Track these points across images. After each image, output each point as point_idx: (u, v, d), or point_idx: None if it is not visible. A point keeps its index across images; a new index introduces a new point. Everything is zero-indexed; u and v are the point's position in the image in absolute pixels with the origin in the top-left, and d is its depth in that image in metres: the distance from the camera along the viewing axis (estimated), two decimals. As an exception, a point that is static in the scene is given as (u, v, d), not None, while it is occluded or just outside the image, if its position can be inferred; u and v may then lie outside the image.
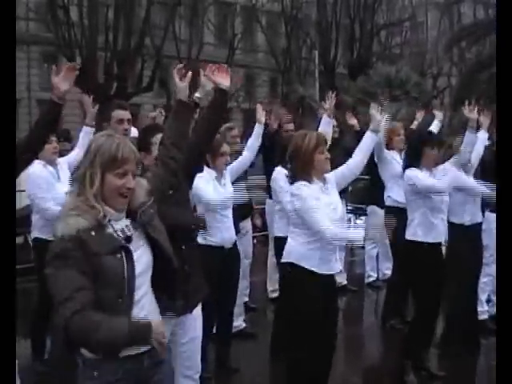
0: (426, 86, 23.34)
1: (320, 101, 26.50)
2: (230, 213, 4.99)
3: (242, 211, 5.63)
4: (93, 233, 2.39)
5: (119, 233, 2.50)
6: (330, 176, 4.17)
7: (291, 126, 6.79)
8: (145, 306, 2.55)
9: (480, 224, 5.75)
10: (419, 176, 4.85)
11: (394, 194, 6.19)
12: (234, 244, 5.07)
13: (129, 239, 2.52)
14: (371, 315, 7.34)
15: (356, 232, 4.06)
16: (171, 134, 2.98)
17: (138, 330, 2.40)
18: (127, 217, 2.57)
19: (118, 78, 23.69)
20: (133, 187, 2.52)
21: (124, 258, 2.45)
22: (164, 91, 29.63)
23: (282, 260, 4.18)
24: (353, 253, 9.73)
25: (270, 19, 34.34)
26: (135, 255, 2.50)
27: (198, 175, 4.03)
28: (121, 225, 2.52)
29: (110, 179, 2.47)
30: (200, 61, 31.14)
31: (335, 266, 4.10)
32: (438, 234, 4.93)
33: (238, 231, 5.29)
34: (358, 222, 10.03)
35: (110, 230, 2.48)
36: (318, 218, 3.87)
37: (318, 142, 4.01)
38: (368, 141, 4.38)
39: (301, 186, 3.96)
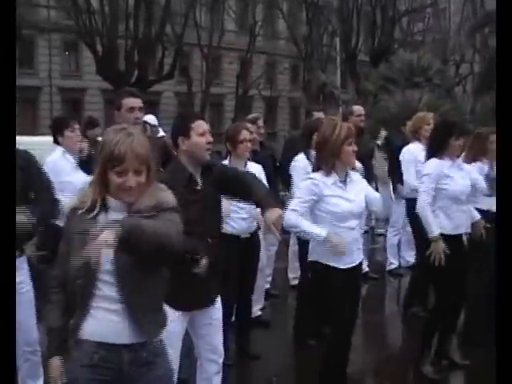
0: (448, 72, 23.10)
1: (341, 87, 26.49)
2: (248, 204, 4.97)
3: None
4: (79, 212, 2.49)
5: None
6: (357, 173, 4.19)
7: (321, 115, 6.77)
8: (116, 302, 2.50)
9: None
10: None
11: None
12: (253, 234, 5.06)
13: None
14: (392, 303, 7.33)
15: (316, 231, 3.98)
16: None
17: None
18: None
19: (139, 65, 23.77)
20: (133, 186, 2.47)
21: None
22: (185, 79, 29.69)
23: (308, 259, 4.20)
24: (374, 240, 9.71)
25: (291, 6, 34.16)
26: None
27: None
28: (118, 217, 2.47)
29: (111, 176, 2.47)
30: (221, 48, 31.21)
31: (355, 258, 4.11)
32: (458, 225, 4.83)
33: None
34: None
35: (98, 216, 2.49)
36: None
37: (348, 134, 3.98)
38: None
39: (316, 175, 4.00)
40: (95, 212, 2.50)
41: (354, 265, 4.11)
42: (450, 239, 4.76)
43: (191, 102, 29.19)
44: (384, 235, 9.11)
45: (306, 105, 18.89)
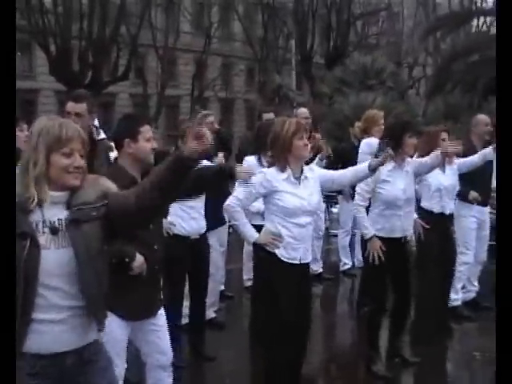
0: (401, 75, 23.47)
1: (296, 90, 26.64)
2: (197, 203, 4.98)
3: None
4: (24, 209, 2.38)
5: (47, 222, 2.41)
6: (314, 168, 4.26)
7: (272, 115, 6.81)
8: (62, 310, 2.46)
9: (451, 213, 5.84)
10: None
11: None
12: (203, 235, 5.07)
13: (55, 231, 2.42)
14: (346, 302, 7.42)
15: (248, 232, 4.13)
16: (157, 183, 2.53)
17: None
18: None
19: (93, 66, 23.49)
20: (81, 166, 2.46)
21: (27, 247, 2.35)
22: (140, 80, 29.47)
23: (255, 251, 4.25)
24: (329, 241, 9.80)
25: (247, 8, 34.26)
26: (50, 252, 2.40)
27: None
28: (54, 215, 2.43)
29: (57, 159, 2.42)
30: (176, 49, 31.08)
31: (303, 256, 4.15)
32: (394, 229, 4.89)
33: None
34: (334, 210, 10.12)
35: (33, 215, 2.40)
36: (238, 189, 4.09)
37: (297, 129, 4.06)
38: (361, 172, 4.34)
39: (269, 170, 4.08)
40: (35, 212, 2.41)
41: (303, 262, 4.15)
42: (388, 241, 4.83)
43: (146, 103, 29.01)
44: (338, 236, 9.21)
45: (260, 107, 18.99)
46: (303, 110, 7.36)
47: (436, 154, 4.99)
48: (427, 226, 5.44)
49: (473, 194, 6.14)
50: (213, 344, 5.39)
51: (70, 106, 4.36)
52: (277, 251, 4.06)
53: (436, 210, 5.70)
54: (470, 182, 6.07)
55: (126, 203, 2.51)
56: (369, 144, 6.41)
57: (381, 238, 4.79)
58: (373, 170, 4.24)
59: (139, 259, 3.37)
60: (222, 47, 35.24)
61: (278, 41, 32.92)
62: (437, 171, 5.53)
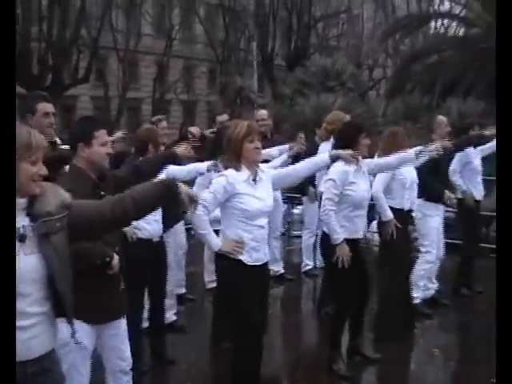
0: (361, 77, 23.70)
1: (258, 91, 26.70)
2: None
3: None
4: None
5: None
6: (265, 169, 4.28)
7: (225, 117, 6.82)
8: (30, 317, 2.43)
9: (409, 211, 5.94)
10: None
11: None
12: (161, 236, 5.06)
13: (23, 238, 2.39)
14: (308, 303, 7.46)
15: (213, 241, 4.12)
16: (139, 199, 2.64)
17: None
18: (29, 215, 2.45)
19: (54, 69, 23.22)
20: (45, 174, 2.45)
21: None
22: (101, 83, 29.22)
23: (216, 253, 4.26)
24: (290, 242, 9.84)
25: (208, 10, 34.22)
26: (19, 258, 2.35)
27: None
28: (18, 222, 2.39)
29: (25, 167, 2.39)
30: (138, 52, 30.90)
31: (263, 257, 4.19)
32: (358, 229, 4.99)
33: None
34: (295, 211, 10.16)
35: None
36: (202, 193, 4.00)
37: (249, 131, 4.08)
38: (320, 161, 4.48)
39: (229, 172, 4.07)
40: None
41: (262, 263, 4.19)
42: (350, 242, 4.89)
43: (108, 106, 28.77)
44: (300, 237, 9.26)
45: (220, 109, 19.02)
46: (262, 112, 7.39)
47: (403, 154, 5.12)
48: (400, 226, 5.54)
49: (449, 195, 6.31)
50: (174, 347, 5.37)
51: (48, 106, 4.32)
52: (241, 257, 4.07)
53: (406, 207, 5.82)
54: (435, 180, 6.25)
55: (98, 215, 2.57)
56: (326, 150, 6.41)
57: (345, 240, 4.84)
58: (333, 160, 4.38)
59: (116, 257, 3.42)
60: (184, 49, 35.14)
61: (240, 43, 32.97)
62: (409, 168, 5.68)
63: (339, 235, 4.78)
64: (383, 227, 5.64)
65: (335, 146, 5.10)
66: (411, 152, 5.20)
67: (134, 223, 4.57)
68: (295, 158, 5.54)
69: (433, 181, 6.23)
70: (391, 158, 5.20)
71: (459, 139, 6.85)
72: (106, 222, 2.60)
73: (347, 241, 4.82)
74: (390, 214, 5.56)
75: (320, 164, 4.52)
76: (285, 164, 5.40)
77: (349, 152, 4.62)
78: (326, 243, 4.93)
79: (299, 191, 8.00)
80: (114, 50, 29.14)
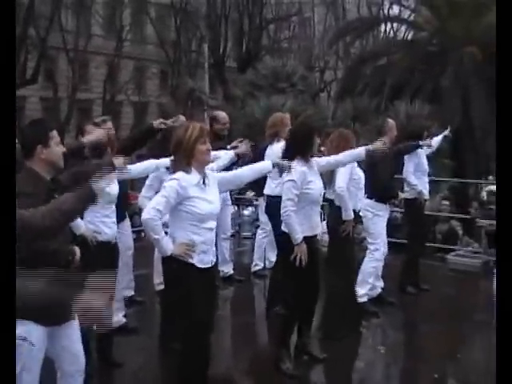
0: (312, 79, 23.90)
1: (210, 93, 26.67)
2: (111, 210, 4.97)
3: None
4: None
5: None
6: (212, 172, 4.30)
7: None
8: None
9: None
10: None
11: (274, 185, 6.33)
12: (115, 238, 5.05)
13: None
14: (258, 304, 7.48)
15: (165, 246, 4.07)
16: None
17: None
18: None
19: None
20: None
21: None
22: (50, 84, 28.75)
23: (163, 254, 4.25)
24: (240, 243, 9.87)
25: (159, 11, 33.99)
26: None
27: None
28: None
29: None
30: (88, 52, 30.51)
31: (212, 258, 4.21)
32: (314, 226, 5.07)
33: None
34: (245, 212, 10.21)
35: None
36: (155, 198, 4.00)
37: (201, 133, 4.09)
38: (263, 168, 4.57)
39: (180, 176, 4.04)
40: None
41: (211, 265, 4.21)
42: (308, 239, 4.96)
43: (57, 107, 28.33)
44: (250, 238, 9.31)
45: (173, 110, 18.93)
46: (224, 115, 7.36)
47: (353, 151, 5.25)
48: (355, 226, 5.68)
49: (402, 195, 6.53)
50: (123, 349, 5.34)
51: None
52: (191, 260, 4.06)
53: (358, 207, 5.93)
54: (385, 181, 6.41)
55: (31, 222, 2.64)
56: (273, 151, 6.43)
57: (304, 237, 4.92)
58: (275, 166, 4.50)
59: (77, 251, 3.47)
60: (135, 50, 34.81)
61: (191, 44, 32.87)
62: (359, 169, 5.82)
63: (299, 235, 4.85)
64: (334, 226, 5.74)
65: (288, 147, 5.17)
66: (361, 149, 5.31)
67: (91, 227, 4.70)
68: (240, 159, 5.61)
69: (382, 181, 6.36)
70: (341, 156, 5.31)
71: (407, 144, 7.04)
72: (39, 230, 2.70)
73: (306, 238, 4.89)
74: (351, 214, 5.70)
75: (263, 171, 4.62)
76: (231, 162, 5.45)
77: (287, 162, 4.73)
78: (282, 242, 5.00)
79: (255, 192, 8.03)
80: (64, 50, 28.70)
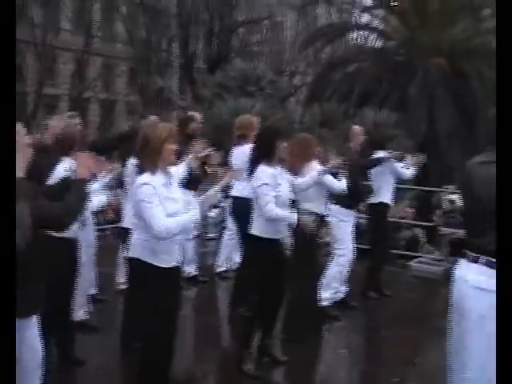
0: (281, 83, 23.95)
1: (179, 93, 26.58)
2: None
3: None
4: None
5: None
6: (174, 171, 4.31)
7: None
8: None
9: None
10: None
11: (239, 190, 6.34)
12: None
13: None
14: (221, 304, 7.49)
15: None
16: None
17: None
18: None
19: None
20: None
21: None
22: (17, 78, 28.35)
23: (128, 255, 4.23)
24: (204, 244, 9.85)
25: (130, 9, 33.75)
26: None
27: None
28: None
29: None
30: (56, 47, 30.15)
31: (177, 258, 4.22)
32: (280, 230, 5.11)
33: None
34: (210, 214, 10.19)
35: None
36: (153, 211, 3.95)
37: (170, 133, 4.11)
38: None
39: (148, 179, 4.02)
40: None
41: (175, 265, 4.21)
42: (271, 243, 4.99)
43: (24, 101, 27.92)
44: (214, 239, 9.30)
45: (142, 109, 18.83)
46: (198, 116, 7.35)
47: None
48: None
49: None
50: (84, 347, 5.29)
51: None
52: (160, 259, 4.06)
53: (322, 211, 5.98)
54: (351, 188, 6.47)
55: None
56: (243, 152, 6.43)
57: (268, 240, 4.98)
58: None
59: None
60: (104, 47, 34.52)
61: (161, 43, 32.71)
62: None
63: (290, 215, 5.01)
64: (297, 229, 5.78)
65: (253, 151, 5.20)
66: (314, 174, 5.53)
67: None
68: None
69: (349, 188, 6.40)
70: (303, 183, 5.55)
71: (370, 159, 7.08)
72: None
73: (271, 241, 4.92)
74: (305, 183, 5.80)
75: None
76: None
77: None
78: (247, 244, 5.02)
79: (222, 193, 8.01)
80: (32, 44, 28.32)
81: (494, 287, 3.06)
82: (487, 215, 3.17)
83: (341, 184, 6.02)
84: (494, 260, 3.15)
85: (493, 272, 3.13)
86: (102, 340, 5.75)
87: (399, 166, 7.41)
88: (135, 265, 4.17)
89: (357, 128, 6.90)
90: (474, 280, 3.26)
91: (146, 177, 4.03)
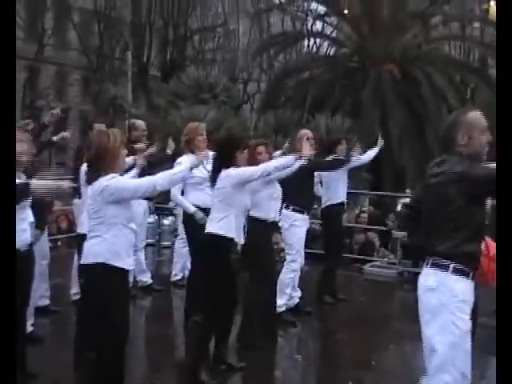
0: (235, 90, 24.04)
1: (133, 101, 26.39)
2: (27, 213, 4.83)
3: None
4: None
5: None
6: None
7: (103, 127, 6.72)
8: None
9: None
10: (239, 170, 5.11)
11: (193, 199, 6.34)
12: (30, 245, 4.90)
13: None
14: (176, 313, 7.43)
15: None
16: None
17: None
18: None
19: None
20: None
21: None
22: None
23: (88, 261, 4.17)
24: (160, 253, 9.81)
25: (83, 17, 33.44)
26: None
27: None
28: None
29: None
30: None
31: (132, 263, 4.24)
32: (239, 232, 5.14)
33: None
34: (165, 221, 10.16)
35: None
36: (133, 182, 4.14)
37: (122, 139, 4.17)
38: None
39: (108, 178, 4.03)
40: None
41: (131, 269, 4.24)
42: (231, 244, 5.02)
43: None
44: (170, 247, 9.26)
45: (92, 117, 18.68)
46: (142, 123, 7.35)
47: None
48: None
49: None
50: (36, 360, 5.20)
51: None
52: (124, 261, 4.07)
53: (272, 217, 6.00)
54: (302, 192, 6.51)
55: None
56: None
57: (222, 240, 5.02)
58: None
59: None
60: (57, 55, 34.10)
61: (115, 51, 32.46)
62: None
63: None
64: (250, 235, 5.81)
65: (214, 159, 5.25)
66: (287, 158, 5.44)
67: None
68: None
69: (299, 192, 6.46)
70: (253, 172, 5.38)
71: (325, 161, 7.09)
72: None
73: (229, 240, 5.01)
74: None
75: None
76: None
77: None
78: (196, 251, 5.03)
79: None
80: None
81: (443, 284, 3.39)
82: (431, 221, 3.52)
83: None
84: (439, 259, 3.42)
85: (439, 270, 3.42)
86: (54, 351, 5.66)
87: (354, 159, 7.44)
88: (98, 269, 4.11)
89: (303, 132, 6.81)
90: (424, 283, 3.52)
91: (107, 178, 4.03)
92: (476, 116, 3.55)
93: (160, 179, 4.14)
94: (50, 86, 32.52)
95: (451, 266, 3.40)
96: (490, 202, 4.26)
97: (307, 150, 5.51)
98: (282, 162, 5.35)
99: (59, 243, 9.59)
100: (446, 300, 3.39)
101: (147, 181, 4.13)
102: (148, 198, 7.24)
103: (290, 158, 5.39)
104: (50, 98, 32.20)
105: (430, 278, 3.48)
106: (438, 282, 3.43)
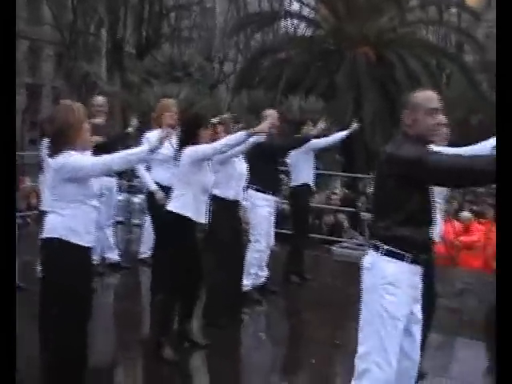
0: (210, 69, 23.88)
1: (107, 78, 26.12)
2: None
3: None
4: None
5: None
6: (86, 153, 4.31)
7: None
8: None
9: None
10: (194, 148, 5.09)
11: (157, 176, 6.36)
12: None
13: None
14: (143, 291, 7.43)
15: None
16: None
17: None
18: None
19: None
20: None
21: None
22: None
23: (46, 235, 4.14)
24: (130, 231, 9.80)
25: (56, -9, 32.90)
26: None
27: None
28: None
29: None
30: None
31: (92, 239, 4.20)
32: (202, 213, 5.17)
33: None
34: (135, 200, 10.13)
35: None
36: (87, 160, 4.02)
37: (85, 112, 4.13)
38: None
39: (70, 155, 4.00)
40: None
41: (92, 246, 4.20)
42: (188, 222, 5.04)
43: None
44: (140, 225, 9.24)
45: (67, 94, 18.40)
46: (100, 99, 7.32)
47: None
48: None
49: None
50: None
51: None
52: (81, 237, 4.01)
53: (231, 196, 6.00)
54: (265, 171, 6.51)
55: None
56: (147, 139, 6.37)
57: (184, 218, 5.02)
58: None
59: None
60: (29, 30, 33.57)
61: (89, 27, 32.02)
62: (236, 159, 5.90)
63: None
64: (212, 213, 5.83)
65: (178, 137, 5.25)
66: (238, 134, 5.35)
67: None
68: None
69: (262, 172, 6.46)
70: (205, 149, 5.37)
71: (281, 139, 7.06)
72: None
73: (192, 222, 5.00)
74: None
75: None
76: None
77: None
78: (159, 227, 5.04)
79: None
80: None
81: (376, 265, 3.49)
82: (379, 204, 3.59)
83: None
84: (375, 240, 3.51)
85: (374, 251, 3.52)
86: (20, 330, 5.63)
87: (317, 140, 7.43)
88: (55, 245, 4.08)
89: (269, 112, 6.78)
90: (364, 263, 3.61)
91: (66, 156, 3.98)
92: (424, 97, 3.51)
93: (117, 158, 4.09)
94: (23, 62, 32.02)
95: (384, 247, 3.45)
96: (439, 189, 4.27)
97: (262, 126, 5.48)
98: (232, 138, 5.28)
99: (29, 220, 9.53)
100: (376, 281, 3.47)
101: (103, 160, 4.05)
102: (119, 176, 7.23)
103: (240, 133, 5.28)
104: (22, 74, 31.77)
105: (367, 258, 3.58)
106: (372, 263, 3.52)
